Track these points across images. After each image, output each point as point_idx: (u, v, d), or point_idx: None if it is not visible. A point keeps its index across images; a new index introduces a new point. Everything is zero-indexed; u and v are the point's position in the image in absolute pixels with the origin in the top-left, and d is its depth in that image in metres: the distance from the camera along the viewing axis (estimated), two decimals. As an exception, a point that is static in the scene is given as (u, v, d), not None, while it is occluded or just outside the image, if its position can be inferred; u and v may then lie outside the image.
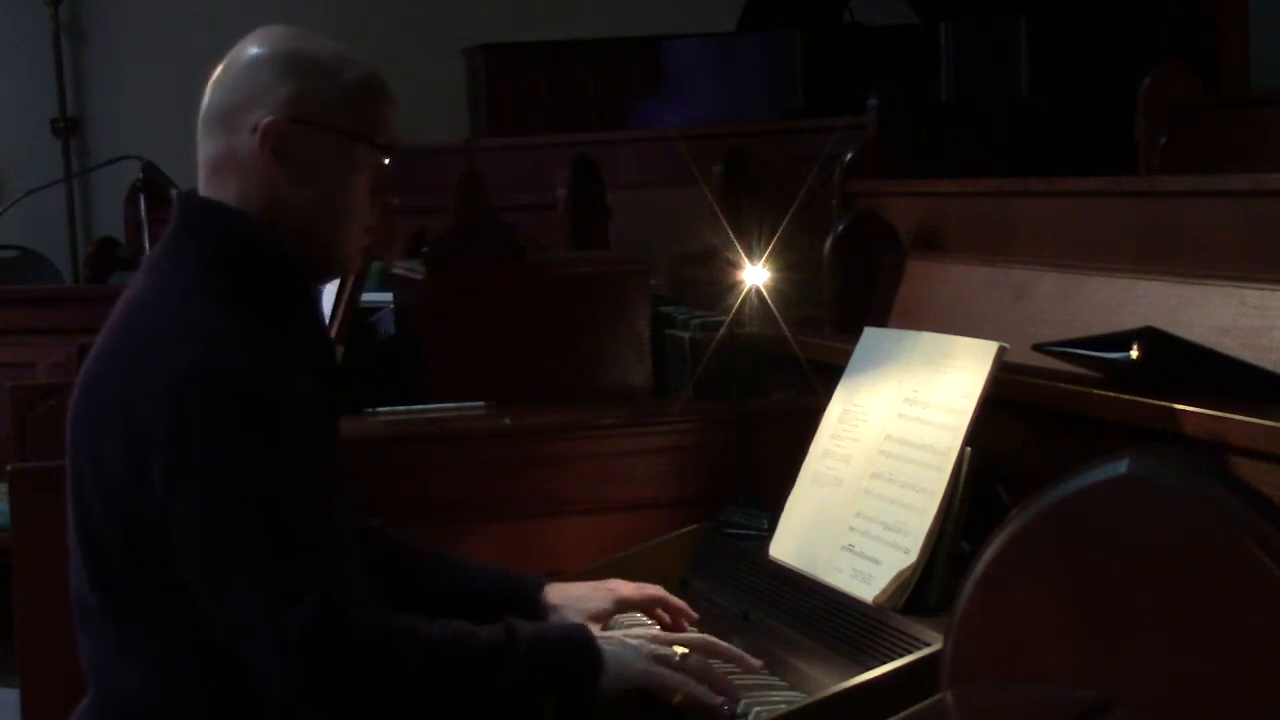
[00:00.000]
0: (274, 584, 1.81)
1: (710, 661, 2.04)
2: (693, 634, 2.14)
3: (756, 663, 2.10)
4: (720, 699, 1.98)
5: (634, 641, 2.01)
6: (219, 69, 2.02)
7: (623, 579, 2.31)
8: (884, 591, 2.10)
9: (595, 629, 2.08)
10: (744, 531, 2.50)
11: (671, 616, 2.27)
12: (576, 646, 1.98)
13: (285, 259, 1.98)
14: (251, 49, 2.00)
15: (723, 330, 2.72)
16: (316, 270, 2.05)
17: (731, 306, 2.72)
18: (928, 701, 1.71)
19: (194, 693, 1.89)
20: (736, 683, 2.05)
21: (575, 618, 2.18)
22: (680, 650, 2.04)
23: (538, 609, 2.22)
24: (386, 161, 2.04)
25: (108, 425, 1.88)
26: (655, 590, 2.28)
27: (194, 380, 1.83)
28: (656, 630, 2.13)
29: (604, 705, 2.00)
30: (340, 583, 1.85)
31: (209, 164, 2.01)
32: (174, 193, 2.09)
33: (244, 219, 1.97)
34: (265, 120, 1.95)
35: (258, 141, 1.96)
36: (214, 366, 1.84)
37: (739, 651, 2.10)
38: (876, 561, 2.14)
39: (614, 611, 2.23)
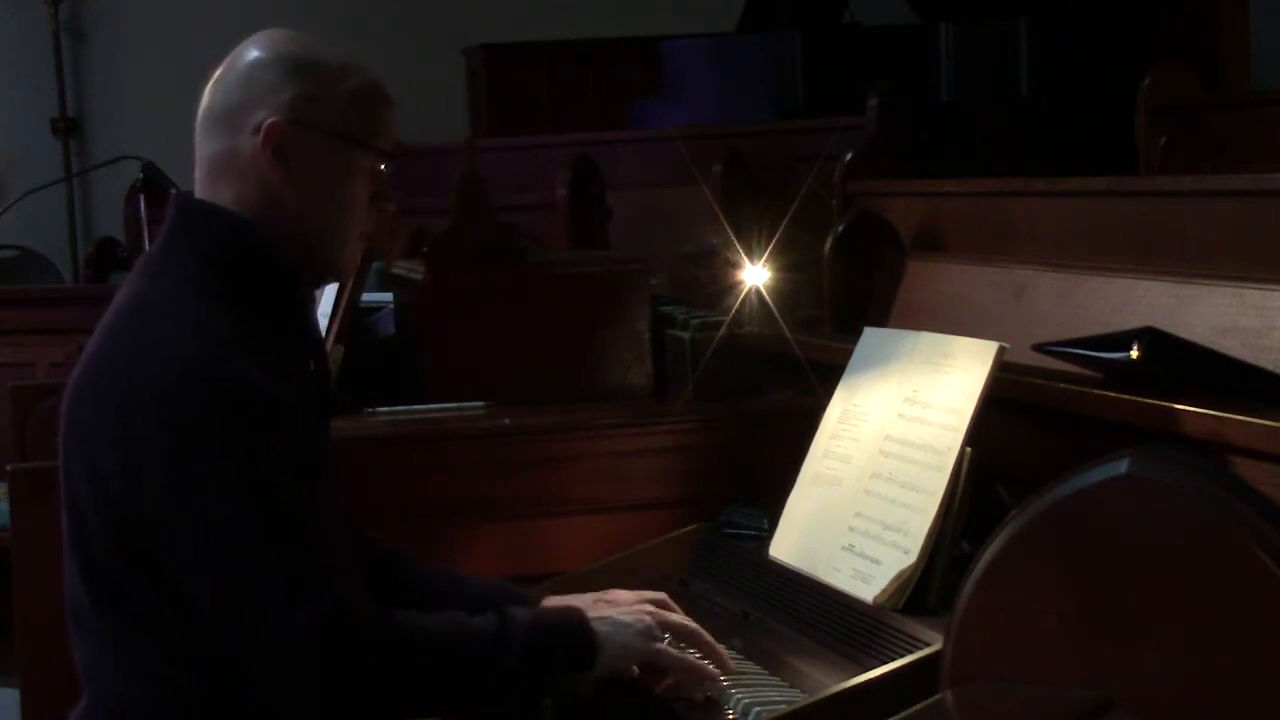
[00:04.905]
0: (277, 583, 1.81)
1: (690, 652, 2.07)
2: (677, 618, 2.14)
3: (729, 662, 2.11)
4: (707, 679, 2.01)
5: (625, 619, 2.03)
6: (219, 70, 2.01)
7: (623, 580, 2.31)
8: (884, 591, 2.10)
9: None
10: (744, 531, 2.50)
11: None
12: (570, 628, 1.99)
13: (279, 262, 1.98)
14: (254, 51, 1.99)
15: (723, 330, 2.72)
16: (311, 274, 2.04)
17: (731, 306, 2.72)
18: (928, 701, 1.71)
19: (183, 697, 1.89)
20: (735, 684, 2.05)
21: None
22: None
23: None
24: (384, 168, 2.04)
25: (102, 428, 1.87)
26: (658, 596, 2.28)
27: (189, 382, 1.83)
28: (646, 607, 2.13)
29: (596, 693, 2.01)
30: (340, 580, 1.86)
31: (207, 164, 2.00)
32: (172, 193, 2.08)
33: (240, 222, 1.96)
34: (269, 121, 1.95)
35: (260, 142, 1.95)
36: (209, 369, 1.84)
37: (719, 647, 2.11)
38: (876, 561, 2.14)
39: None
